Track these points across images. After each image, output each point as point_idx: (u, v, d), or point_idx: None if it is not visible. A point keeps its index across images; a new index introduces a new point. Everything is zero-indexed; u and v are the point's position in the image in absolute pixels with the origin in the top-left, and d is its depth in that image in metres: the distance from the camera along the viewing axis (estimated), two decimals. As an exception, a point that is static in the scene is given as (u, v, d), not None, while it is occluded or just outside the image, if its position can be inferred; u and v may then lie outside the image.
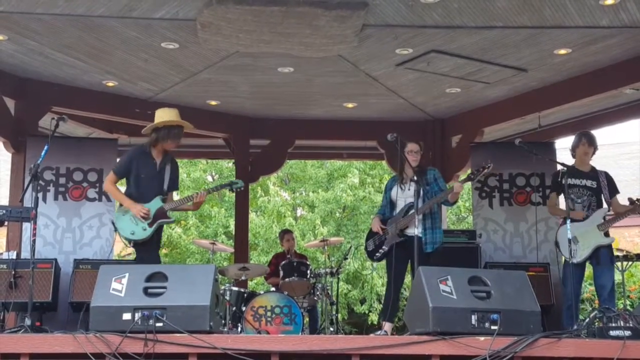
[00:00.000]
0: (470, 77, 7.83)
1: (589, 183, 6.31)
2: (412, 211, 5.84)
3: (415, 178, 5.77)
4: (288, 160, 12.29)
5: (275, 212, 15.36)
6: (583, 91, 7.87)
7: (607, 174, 6.35)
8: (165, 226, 6.23)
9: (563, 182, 6.10)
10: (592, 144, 6.35)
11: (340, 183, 15.49)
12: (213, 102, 8.79)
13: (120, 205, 5.89)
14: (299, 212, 16.65)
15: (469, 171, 5.90)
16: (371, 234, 6.23)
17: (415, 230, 5.74)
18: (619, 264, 7.48)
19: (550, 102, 8.20)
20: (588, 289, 10.94)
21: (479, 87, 8.14)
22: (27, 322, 4.66)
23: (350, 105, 8.95)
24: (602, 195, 6.28)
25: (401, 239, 5.93)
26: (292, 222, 14.99)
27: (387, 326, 5.94)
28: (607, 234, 6.19)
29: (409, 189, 5.99)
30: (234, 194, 6.75)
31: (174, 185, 6.01)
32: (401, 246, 5.91)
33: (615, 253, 6.79)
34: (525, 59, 7.32)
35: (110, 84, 8.05)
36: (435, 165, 9.32)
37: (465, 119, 9.13)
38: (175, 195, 6.44)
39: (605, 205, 6.33)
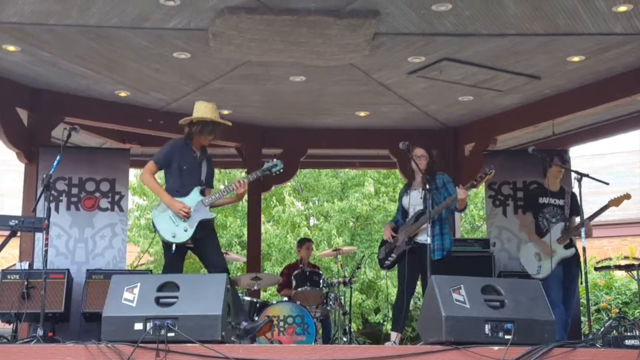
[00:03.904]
0: (483, 85, 7.79)
1: (560, 202, 6.45)
2: (421, 218, 5.82)
3: (425, 184, 5.76)
4: (301, 170, 12.28)
5: (289, 222, 15.34)
6: (597, 99, 7.81)
7: (573, 194, 6.43)
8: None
9: (540, 201, 6.38)
10: (565, 163, 6.50)
11: (355, 192, 15.46)
12: (225, 112, 8.79)
13: (159, 203, 5.63)
14: (312, 221, 16.62)
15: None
16: (383, 242, 6.22)
17: (424, 237, 5.73)
18: (634, 272, 7.41)
19: (564, 109, 8.14)
20: (605, 298, 10.85)
21: (492, 94, 8.10)
22: (40, 332, 4.67)
23: (362, 113, 8.94)
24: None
25: (409, 246, 5.88)
26: (308, 232, 14.96)
27: (395, 336, 5.90)
28: (567, 246, 6.27)
29: (418, 194, 5.96)
30: (271, 176, 6.12)
31: (210, 182, 5.80)
32: (411, 254, 5.86)
33: (631, 262, 6.74)
34: (539, 66, 7.28)
35: (123, 94, 8.08)
36: (449, 174, 9.31)
37: (478, 127, 9.08)
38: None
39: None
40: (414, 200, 6.01)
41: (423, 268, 5.67)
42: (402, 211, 6.15)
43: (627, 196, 6.31)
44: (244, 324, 5.55)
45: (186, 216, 5.46)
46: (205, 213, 5.57)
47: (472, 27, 6.36)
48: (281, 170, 5.84)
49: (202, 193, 5.64)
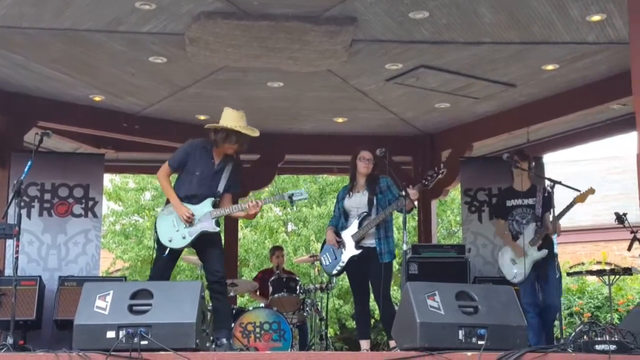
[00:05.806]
0: (460, 92, 7.84)
1: (530, 201, 6.32)
2: (366, 221, 5.83)
3: (372, 187, 5.83)
4: (279, 175, 12.24)
5: (267, 227, 15.29)
6: (571, 106, 7.90)
7: (547, 190, 6.10)
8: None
9: (508, 204, 6.29)
10: (525, 158, 6.34)
11: (333, 198, 15.44)
12: (202, 117, 8.74)
13: (166, 203, 5.45)
14: (290, 227, 16.59)
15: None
16: (326, 247, 6.09)
17: (371, 241, 5.80)
18: (606, 277, 7.48)
19: (538, 117, 8.22)
20: (577, 302, 10.94)
21: (468, 102, 8.15)
22: (10, 340, 4.59)
23: (340, 120, 8.95)
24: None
25: (360, 251, 5.85)
26: (286, 238, 14.92)
27: (365, 344, 5.89)
28: (540, 248, 6.10)
29: (362, 197, 5.94)
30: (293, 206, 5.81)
31: (234, 187, 5.54)
32: (359, 258, 5.86)
33: (603, 267, 6.75)
34: (514, 74, 7.34)
35: (97, 98, 8.01)
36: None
37: (454, 134, 9.13)
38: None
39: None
40: (357, 203, 5.97)
41: (371, 271, 5.72)
42: (344, 214, 6.05)
43: (591, 190, 6.20)
44: (224, 341, 5.32)
45: (188, 221, 5.29)
46: (209, 225, 5.36)
47: (448, 35, 6.40)
48: (305, 200, 5.56)
49: (216, 204, 5.40)
